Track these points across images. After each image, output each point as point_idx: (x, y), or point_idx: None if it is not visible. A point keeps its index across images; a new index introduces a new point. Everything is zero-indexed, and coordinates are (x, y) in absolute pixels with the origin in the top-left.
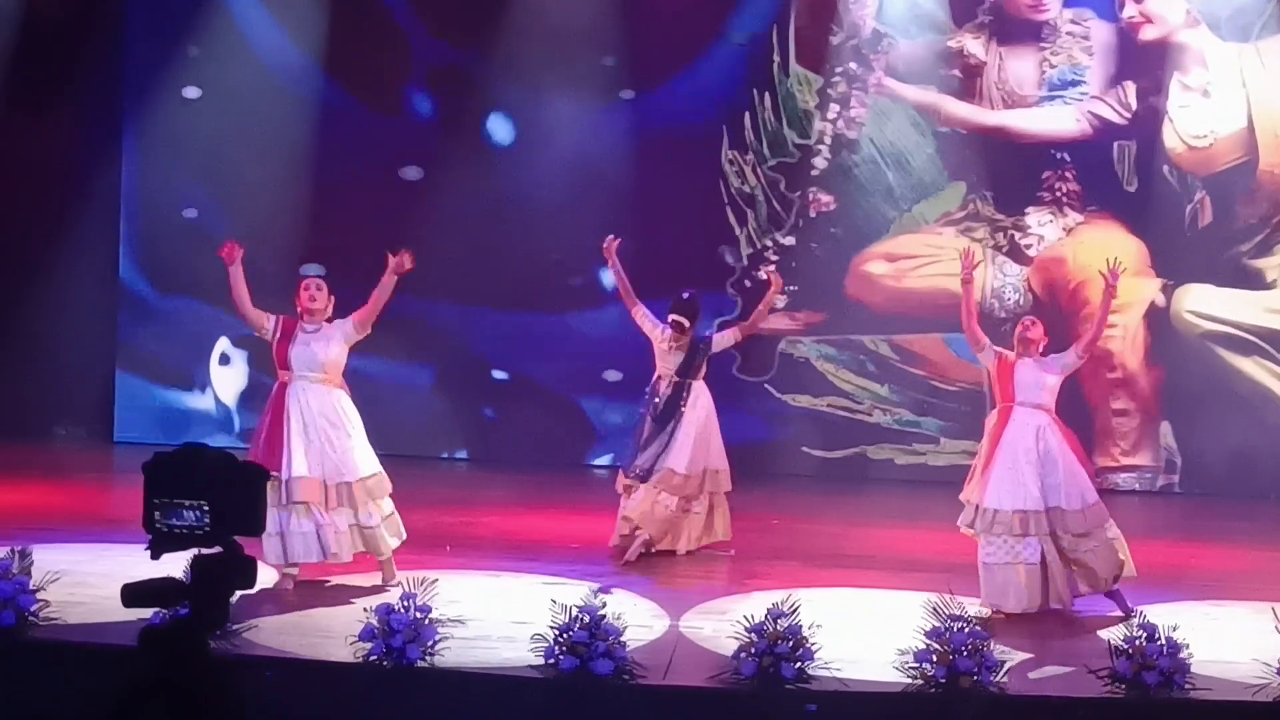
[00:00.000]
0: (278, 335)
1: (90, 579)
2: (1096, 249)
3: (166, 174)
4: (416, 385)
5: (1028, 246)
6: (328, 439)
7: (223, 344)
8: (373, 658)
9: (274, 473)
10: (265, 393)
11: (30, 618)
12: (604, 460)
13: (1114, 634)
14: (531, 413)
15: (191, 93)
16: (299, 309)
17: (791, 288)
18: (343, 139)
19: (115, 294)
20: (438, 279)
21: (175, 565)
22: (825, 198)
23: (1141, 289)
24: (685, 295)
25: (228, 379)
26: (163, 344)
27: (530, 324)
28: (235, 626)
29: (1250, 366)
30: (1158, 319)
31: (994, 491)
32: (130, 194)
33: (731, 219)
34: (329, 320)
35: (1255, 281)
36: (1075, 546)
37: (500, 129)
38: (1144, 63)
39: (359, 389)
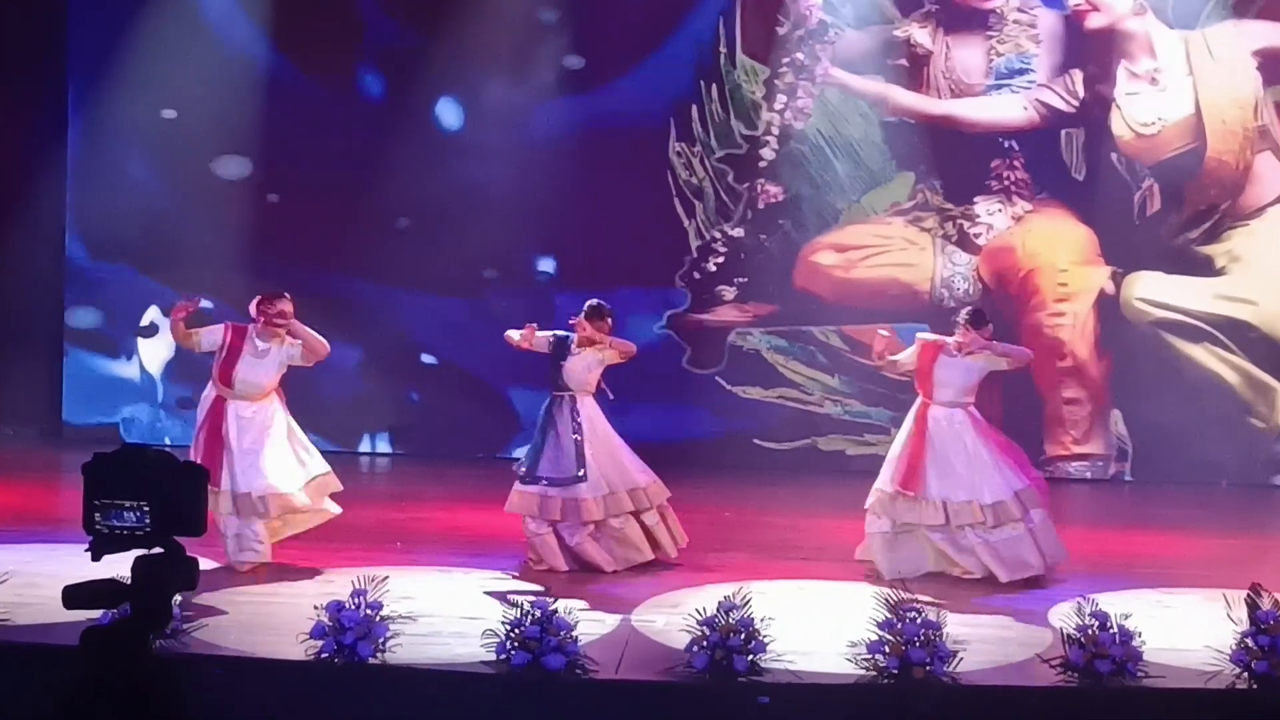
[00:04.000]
0: (225, 350)
1: (38, 579)
2: (1045, 237)
3: (112, 142)
4: (342, 364)
5: (976, 235)
6: (264, 453)
7: (151, 313)
8: (324, 655)
9: (213, 488)
10: (191, 362)
11: None
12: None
13: (1066, 622)
14: (456, 399)
15: (136, 55)
16: (263, 319)
17: (741, 279)
18: (291, 115)
19: (61, 268)
20: (375, 260)
21: (123, 565)
22: (774, 189)
23: (1091, 277)
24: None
25: (154, 348)
26: (98, 313)
27: (464, 309)
28: (184, 625)
29: (1200, 353)
30: (1107, 307)
31: (928, 482)
32: (76, 162)
33: (680, 210)
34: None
35: (1204, 268)
36: (981, 537)
37: (449, 114)
38: (1091, 51)
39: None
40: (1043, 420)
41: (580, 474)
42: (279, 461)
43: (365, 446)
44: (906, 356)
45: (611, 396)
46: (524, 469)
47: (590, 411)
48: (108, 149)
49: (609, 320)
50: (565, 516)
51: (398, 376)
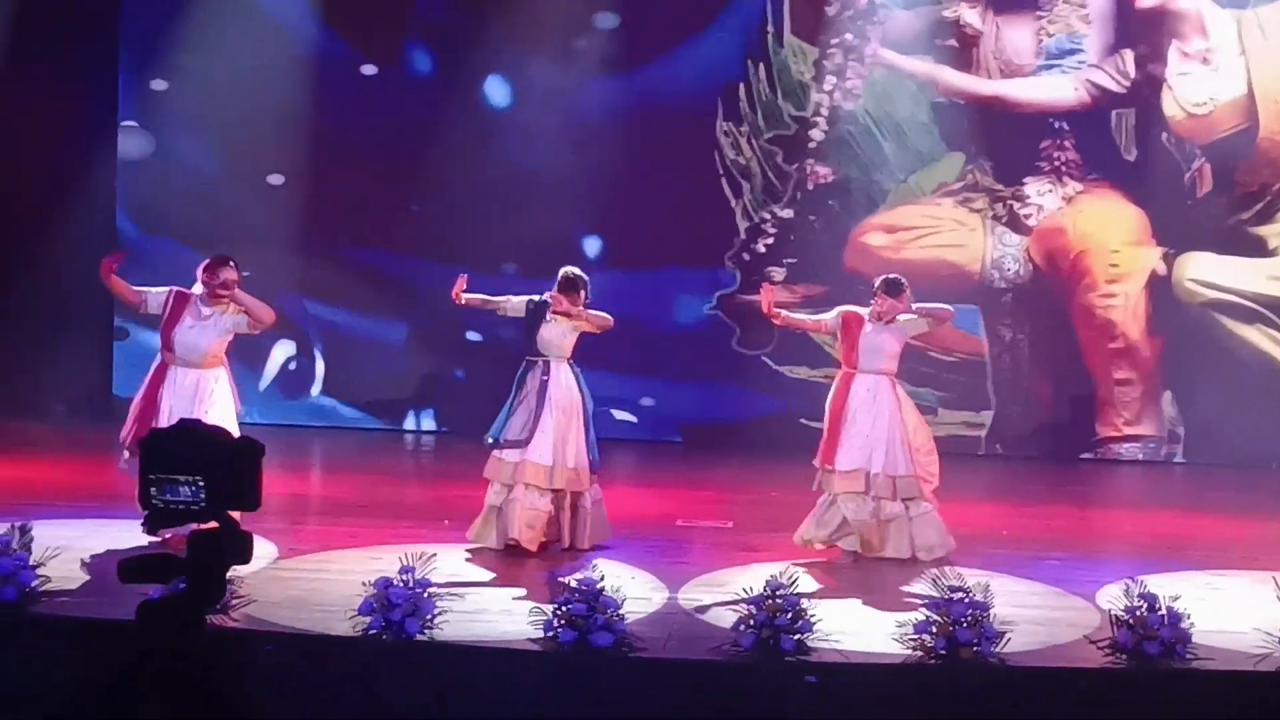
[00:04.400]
0: (167, 313)
1: (90, 554)
2: (1096, 218)
3: (161, 116)
4: (388, 341)
5: (1027, 216)
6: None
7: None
8: (372, 631)
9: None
10: (238, 338)
11: (31, 593)
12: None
13: (1115, 604)
14: (500, 376)
15: (188, 32)
16: (211, 287)
17: (790, 260)
18: (340, 90)
19: (112, 243)
20: (422, 236)
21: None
22: (823, 170)
23: (1142, 258)
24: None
25: None
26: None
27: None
28: (234, 600)
29: (1252, 334)
30: (1159, 288)
31: (843, 453)
32: (125, 136)
33: (727, 190)
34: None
35: (1256, 249)
36: (889, 511)
37: (498, 91)
38: (1142, 30)
39: (330, 340)
40: (1094, 402)
41: (525, 437)
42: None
43: (410, 423)
44: (830, 321)
45: None
46: (491, 437)
47: (565, 378)
48: (157, 125)
49: (583, 293)
50: (516, 479)
51: (442, 354)
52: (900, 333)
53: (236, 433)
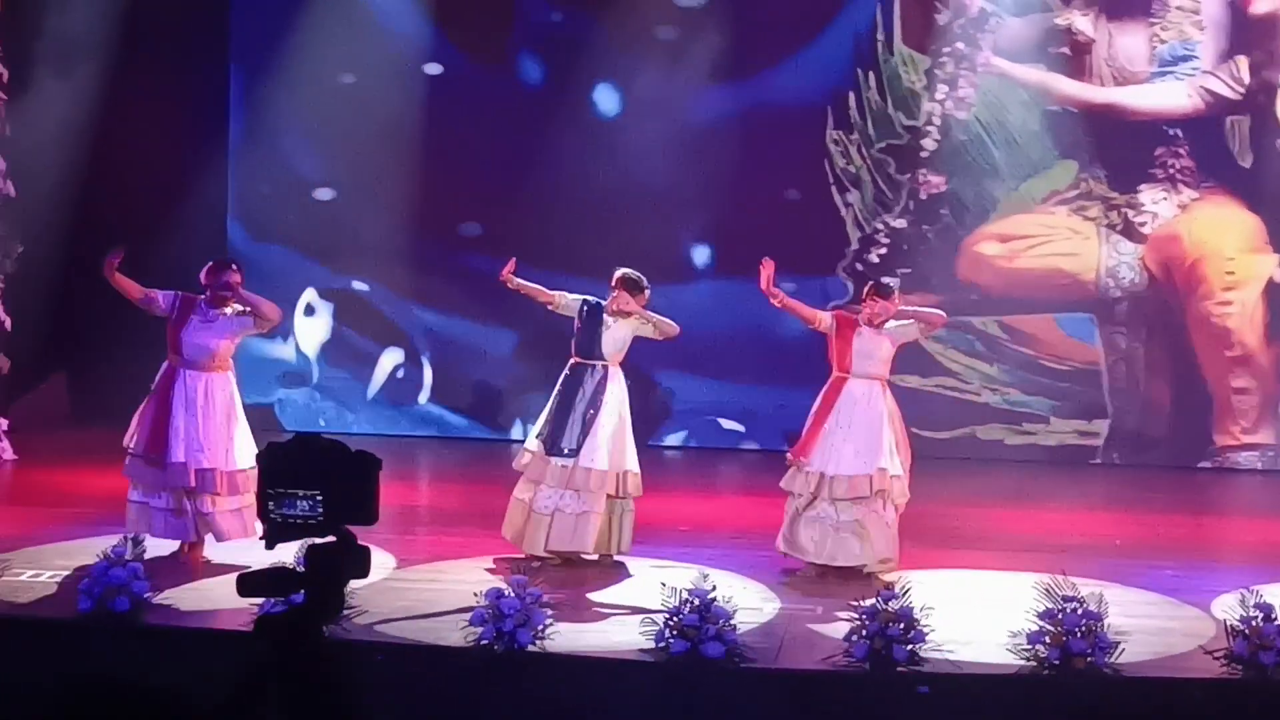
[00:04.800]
0: (175, 315)
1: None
2: (1211, 225)
3: (273, 123)
4: (498, 349)
5: (1141, 224)
6: (218, 427)
7: (309, 295)
8: (483, 642)
9: (156, 454)
10: (346, 345)
11: (144, 603)
12: (675, 440)
13: (1230, 614)
14: None
15: (299, 40)
16: (214, 291)
17: (904, 270)
18: (451, 98)
19: (222, 250)
20: (530, 244)
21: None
22: (935, 179)
23: (1258, 265)
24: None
25: (311, 330)
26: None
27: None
28: (346, 611)
29: None
30: (1276, 295)
31: (817, 453)
32: (237, 146)
33: (837, 199)
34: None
35: None
36: (845, 513)
37: (607, 99)
38: (1256, 36)
39: (441, 347)
40: (1212, 410)
41: (575, 448)
42: (215, 437)
43: (517, 432)
44: (825, 319)
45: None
46: (540, 436)
47: (617, 386)
48: (268, 132)
49: (646, 293)
50: (551, 482)
51: (551, 362)
52: (892, 337)
53: (249, 437)
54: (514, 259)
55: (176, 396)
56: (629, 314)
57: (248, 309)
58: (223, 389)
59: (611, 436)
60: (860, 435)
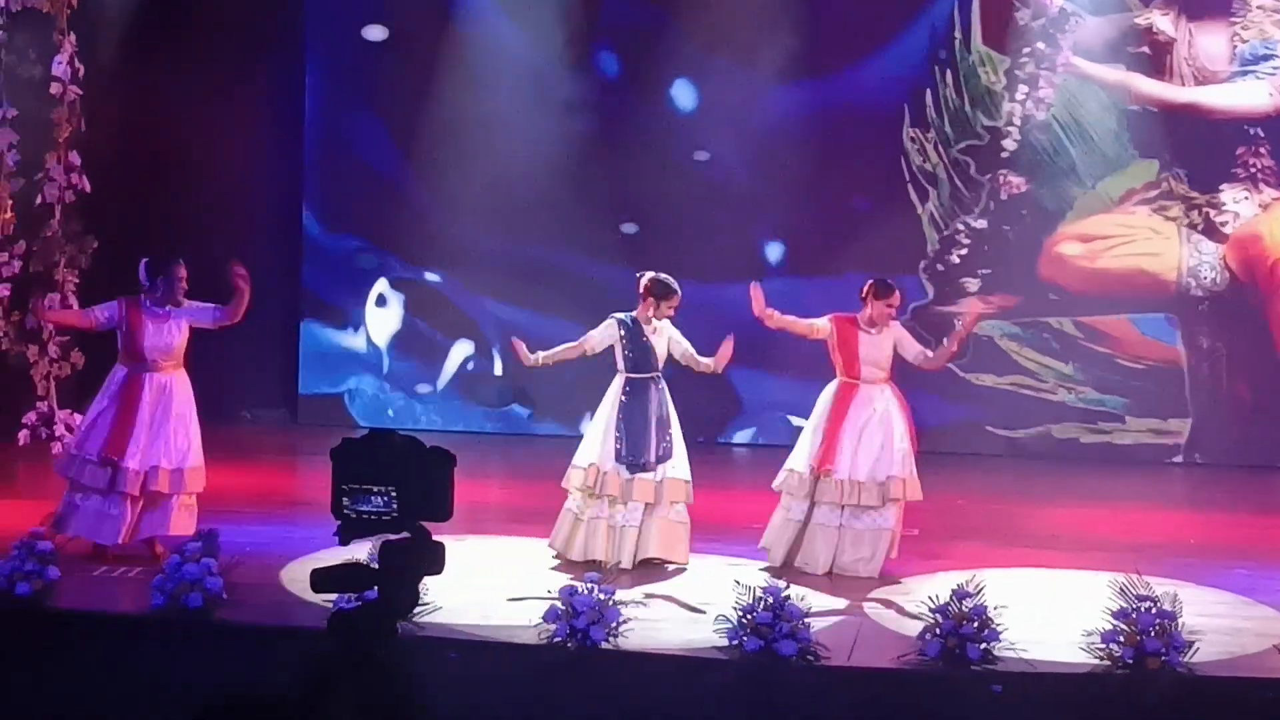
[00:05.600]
0: (125, 324)
1: (274, 561)
2: None
3: (347, 114)
4: (564, 341)
5: (1223, 224)
6: (184, 426)
7: (381, 285)
8: (557, 639)
9: (122, 461)
10: (416, 336)
11: (217, 599)
12: (744, 437)
13: None
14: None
15: (376, 33)
16: (164, 288)
17: (984, 271)
18: (528, 91)
19: (298, 240)
20: (604, 238)
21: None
22: (1015, 179)
23: None
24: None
25: (383, 320)
26: (328, 282)
27: (691, 293)
28: (420, 607)
29: None
30: None
31: (842, 459)
32: (312, 134)
33: (914, 197)
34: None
35: None
36: (856, 519)
37: (684, 95)
38: None
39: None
40: None
41: (656, 460)
42: (180, 437)
43: (584, 426)
44: (823, 327)
45: None
46: (635, 459)
47: (667, 390)
48: (343, 123)
49: (676, 296)
50: (636, 497)
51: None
52: (896, 337)
53: (197, 433)
54: (516, 340)
55: (144, 403)
56: (663, 318)
57: (194, 305)
58: (184, 388)
59: (681, 443)
60: (875, 443)
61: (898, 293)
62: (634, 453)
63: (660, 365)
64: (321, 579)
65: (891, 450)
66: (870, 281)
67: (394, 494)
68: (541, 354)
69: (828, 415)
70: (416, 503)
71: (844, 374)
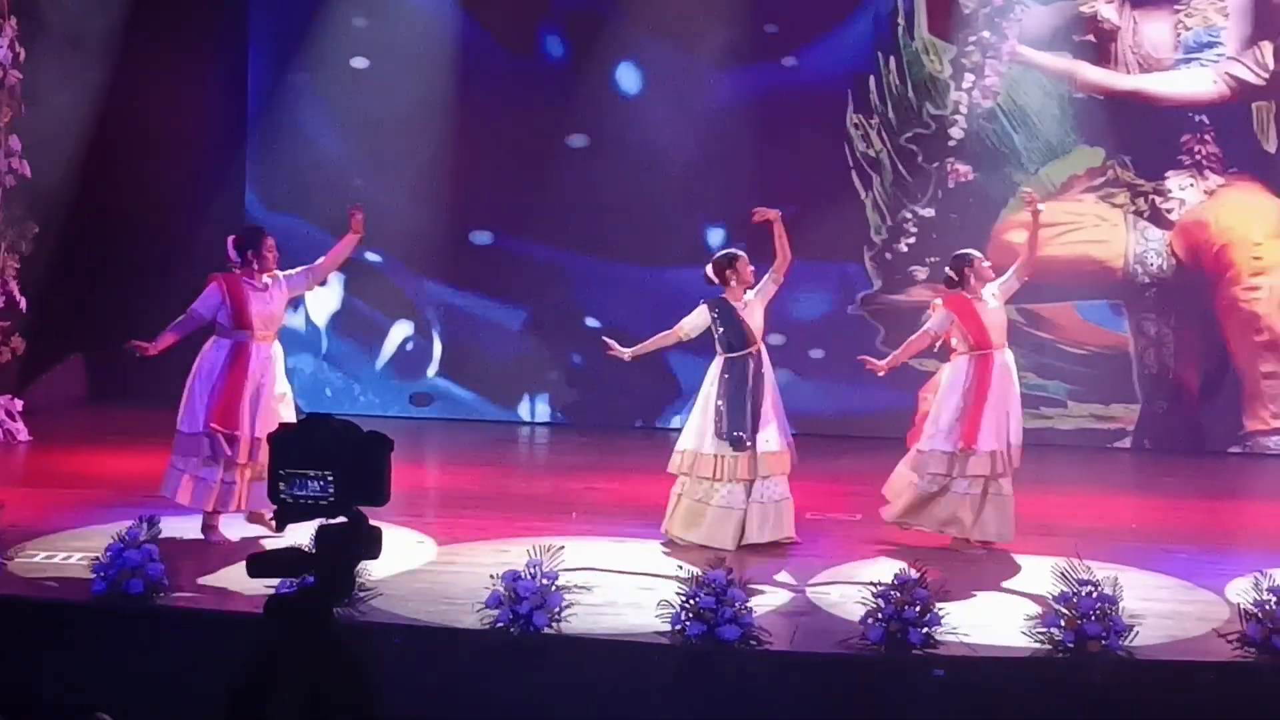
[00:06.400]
0: (228, 300)
1: (217, 547)
2: (1238, 211)
3: (290, 94)
4: (507, 325)
5: (1169, 210)
6: (275, 398)
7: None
8: (499, 624)
9: (235, 432)
10: (358, 317)
11: (158, 586)
12: (682, 421)
13: (1244, 597)
14: (618, 365)
15: (321, 15)
16: (258, 264)
17: (932, 259)
18: (472, 73)
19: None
20: (545, 221)
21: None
22: (963, 168)
23: None
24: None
25: (322, 300)
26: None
27: (631, 275)
28: (363, 593)
29: None
30: None
31: (985, 434)
32: (255, 115)
33: (857, 183)
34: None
35: None
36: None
37: (629, 78)
38: None
39: (453, 321)
40: (1241, 396)
41: (748, 436)
42: (275, 405)
43: (525, 407)
44: (937, 326)
45: None
46: (736, 434)
47: (768, 365)
48: (286, 104)
49: (740, 259)
50: (741, 475)
51: (561, 339)
52: (1005, 296)
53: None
54: (609, 340)
55: (251, 373)
56: (747, 285)
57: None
58: (279, 356)
59: (778, 416)
60: (1016, 405)
61: (976, 255)
62: (735, 428)
63: (759, 338)
64: (258, 564)
65: (1020, 416)
66: (953, 257)
67: (331, 479)
68: (636, 348)
69: (972, 389)
70: (353, 487)
71: (978, 345)
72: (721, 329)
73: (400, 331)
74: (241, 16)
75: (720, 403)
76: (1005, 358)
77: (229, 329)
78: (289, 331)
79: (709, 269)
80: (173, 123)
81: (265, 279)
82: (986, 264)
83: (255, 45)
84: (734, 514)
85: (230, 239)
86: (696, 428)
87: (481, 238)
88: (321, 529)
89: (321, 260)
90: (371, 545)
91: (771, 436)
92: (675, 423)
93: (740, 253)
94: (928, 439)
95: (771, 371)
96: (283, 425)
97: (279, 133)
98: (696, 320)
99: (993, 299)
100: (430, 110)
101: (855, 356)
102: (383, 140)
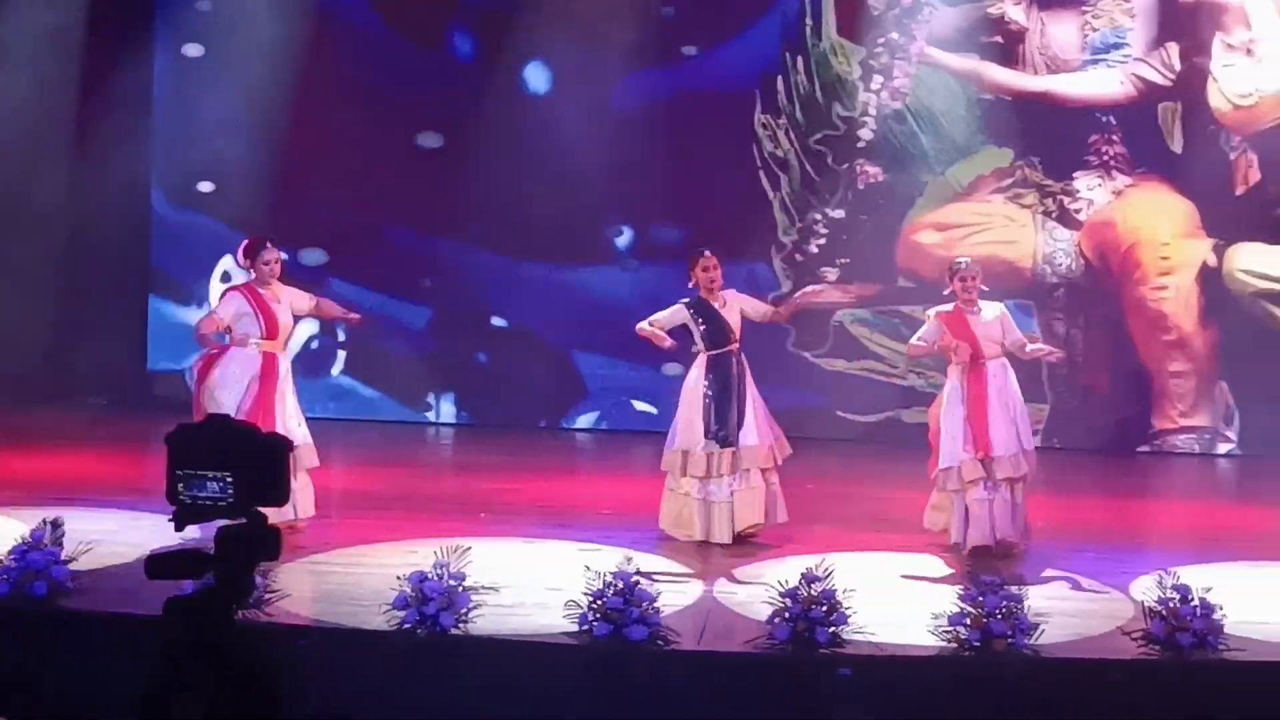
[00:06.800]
0: (256, 309)
1: (122, 549)
2: (1146, 211)
3: (196, 92)
4: (413, 323)
5: (1077, 211)
6: (294, 407)
7: (225, 262)
8: (407, 626)
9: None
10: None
11: (61, 588)
12: (587, 421)
13: (1148, 595)
14: (524, 363)
15: (226, 9)
16: (269, 273)
17: (843, 260)
18: (379, 70)
19: (146, 218)
20: (452, 219)
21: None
22: (872, 169)
23: (1192, 250)
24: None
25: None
26: (175, 260)
27: (539, 275)
28: (268, 595)
29: None
30: (1210, 279)
31: (998, 439)
32: (161, 113)
33: (765, 184)
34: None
35: None
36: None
37: (537, 77)
38: (1186, 23)
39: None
40: (1150, 395)
41: (733, 433)
42: (297, 414)
43: (430, 406)
44: (929, 335)
45: None
46: (722, 432)
47: (746, 365)
48: (191, 102)
49: (702, 257)
50: (724, 470)
51: (466, 338)
52: (1000, 317)
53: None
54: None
55: (279, 380)
56: (709, 288)
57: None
58: (288, 364)
59: (757, 410)
60: (1021, 412)
61: (963, 263)
62: (721, 426)
63: (737, 336)
64: (157, 565)
65: (1024, 425)
66: (948, 266)
67: (230, 480)
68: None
69: (971, 400)
70: (252, 488)
71: (970, 359)
72: (703, 326)
73: (305, 330)
74: (149, 8)
75: (707, 403)
76: (997, 366)
77: (243, 339)
78: (190, 328)
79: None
80: (79, 120)
81: (270, 291)
82: (974, 271)
83: (160, 40)
84: (724, 508)
85: (242, 246)
86: (688, 426)
87: (387, 235)
88: (221, 530)
89: (325, 300)
90: (271, 546)
91: (751, 432)
92: (580, 422)
93: (702, 254)
94: (947, 456)
95: (748, 369)
96: (180, 426)
97: (185, 130)
98: (670, 316)
99: (985, 311)
100: (338, 107)
101: (763, 358)
102: (285, 138)
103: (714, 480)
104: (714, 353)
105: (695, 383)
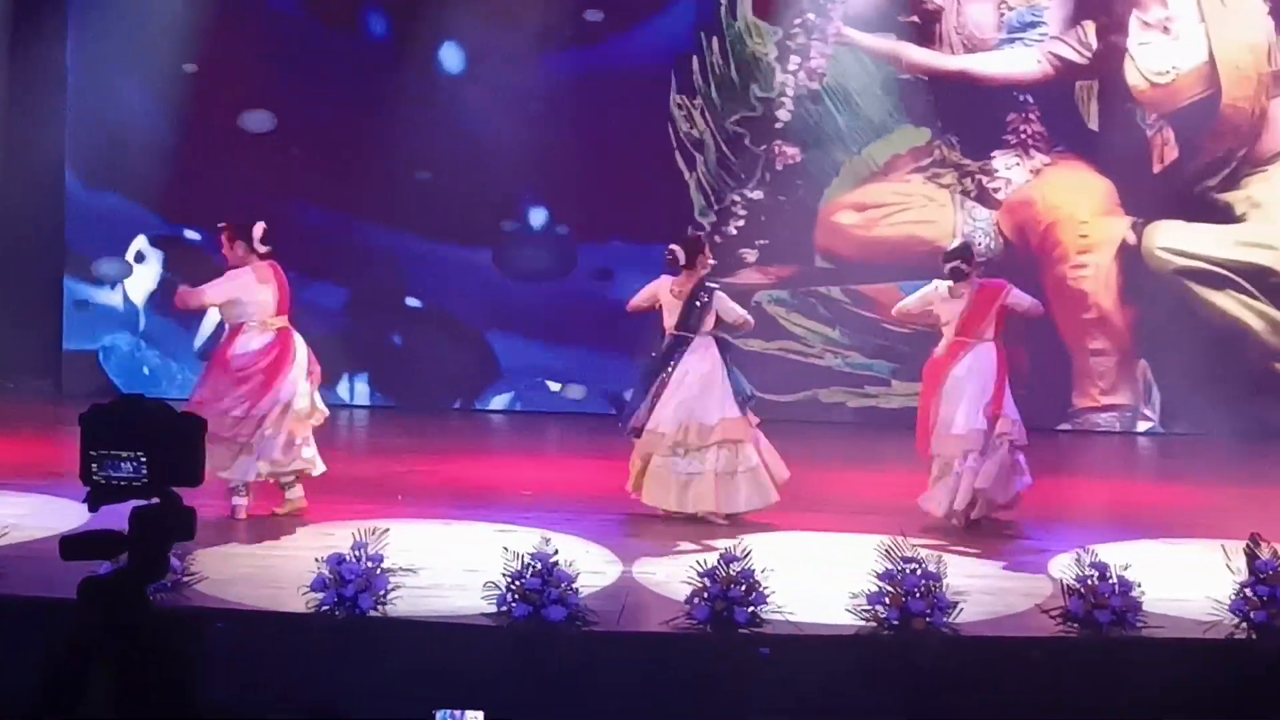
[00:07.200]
0: (277, 287)
1: (36, 532)
2: (1064, 190)
3: (110, 71)
4: (329, 303)
5: (996, 190)
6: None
7: (139, 242)
8: (325, 608)
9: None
10: (172, 295)
11: None
12: (502, 403)
13: (1066, 573)
14: (438, 344)
15: None
16: (254, 253)
17: (762, 242)
18: (293, 49)
19: (60, 198)
20: (367, 199)
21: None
22: (790, 150)
23: (1111, 228)
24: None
25: (139, 278)
26: (89, 240)
27: (453, 255)
28: (186, 578)
29: (1224, 301)
30: (1129, 257)
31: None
32: (74, 92)
33: (680, 164)
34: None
35: (1224, 215)
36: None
37: (452, 58)
38: (1102, 1)
39: None
40: (1070, 373)
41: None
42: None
43: (344, 386)
44: (919, 303)
45: None
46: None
47: (696, 356)
48: (105, 81)
49: (699, 255)
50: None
51: (381, 319)
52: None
53: None
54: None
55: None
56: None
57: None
58: None
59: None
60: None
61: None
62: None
63: (699, 329)
64: (71, 546)
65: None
66: (961, 248)
67: (144, 459)
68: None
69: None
70: (167, 468)
71: (957, 334)
72: (698, 308)
73: (215, 313)
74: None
75: (731, 371)
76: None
77: (266, 314)
78: (104, 309)
79: (679, 250)
80: None
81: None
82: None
83: (73, 21)
84: (707, 478)
85: (257, 227)
86: (717, 400)
87: (302, 216)
88: (135, 511)
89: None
90: (186, 527)
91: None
92: (495, 403)
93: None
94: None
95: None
96: (94, 406)
97: (98, 109)
98: (650, 286)
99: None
100: (252, 86)
101: None
102: (201, 119)
103: (685, 456)
104: (682, 332)
105: (706, 362)
